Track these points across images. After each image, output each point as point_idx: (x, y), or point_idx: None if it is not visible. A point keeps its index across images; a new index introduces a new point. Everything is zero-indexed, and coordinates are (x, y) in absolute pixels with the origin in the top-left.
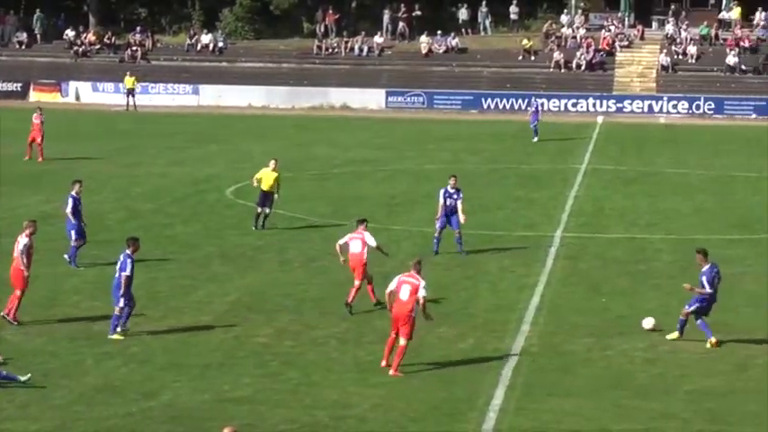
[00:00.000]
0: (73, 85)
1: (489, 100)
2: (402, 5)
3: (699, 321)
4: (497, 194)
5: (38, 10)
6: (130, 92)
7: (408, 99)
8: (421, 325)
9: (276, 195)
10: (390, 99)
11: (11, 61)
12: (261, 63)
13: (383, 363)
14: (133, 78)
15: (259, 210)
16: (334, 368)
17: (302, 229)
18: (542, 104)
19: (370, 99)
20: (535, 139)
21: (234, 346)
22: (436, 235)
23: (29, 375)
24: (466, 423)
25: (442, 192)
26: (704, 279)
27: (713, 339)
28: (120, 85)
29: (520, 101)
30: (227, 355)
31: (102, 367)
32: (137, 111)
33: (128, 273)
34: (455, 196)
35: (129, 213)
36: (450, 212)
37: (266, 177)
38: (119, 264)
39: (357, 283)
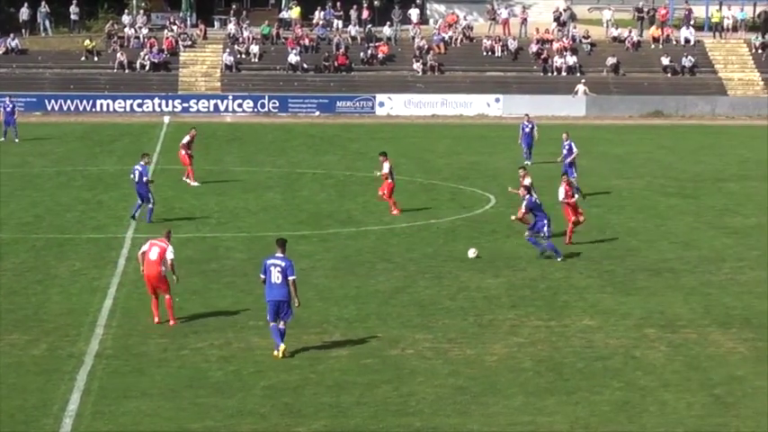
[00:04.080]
0: None
1: (53, 101)
2: None
3: (272, 325)
4: (65, 197)
5: None
6: None
7: None
8: None
9: None
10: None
11: None
12: None
13: (156, 320)
14: None
15: None
16: None
17: None
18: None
19: None
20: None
21: None
22: None
23: None
24: (41, 430)
25: None
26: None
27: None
28: None
29: (84, 102)
30: None
31: None
32: None
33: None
34: None
35: None
36: None
37: None
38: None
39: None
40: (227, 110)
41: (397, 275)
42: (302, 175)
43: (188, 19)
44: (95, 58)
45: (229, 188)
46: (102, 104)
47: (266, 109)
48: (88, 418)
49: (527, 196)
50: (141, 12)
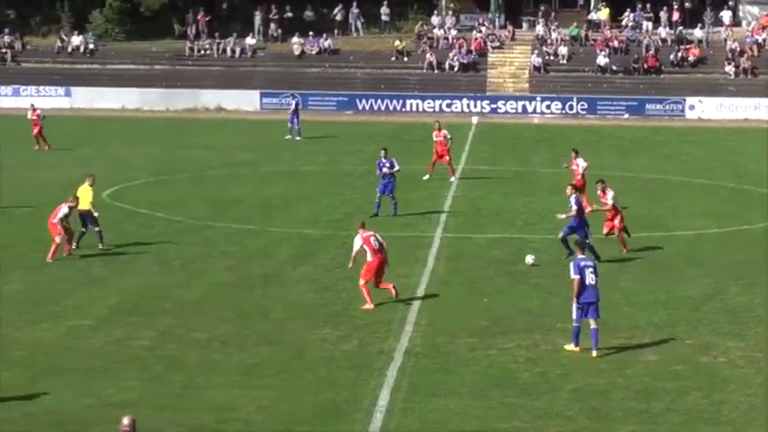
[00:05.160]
0: None
1: (364, 101)
2: (273, 7)
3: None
4: (372, 195)
5: None
6: None
7: (283, 100)
8: (305, 327)
9: (96, 213)
10: (265, 100)
11: None
12: (133, 65)
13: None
14: None
15: (83, 230)
16: (218, 371)
17: (180, 231)
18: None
19: (245, 100)
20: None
21: (116, 350)
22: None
23: None
24: (352, 424)
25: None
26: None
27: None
28: None
29: (394, 102)
30: (110, 360)
31: None
32: None
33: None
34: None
35: (2, 217)
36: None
37: (83, 195)
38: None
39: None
40: (534, 111)
41: (708, 281)
42: (609, 178)
43: (496, 20)
44: (405, 59)
45: (536, 189)
46: (411, 104)
47: (574, 111)
48: (398, 415)
49: None
50: (450, 13)
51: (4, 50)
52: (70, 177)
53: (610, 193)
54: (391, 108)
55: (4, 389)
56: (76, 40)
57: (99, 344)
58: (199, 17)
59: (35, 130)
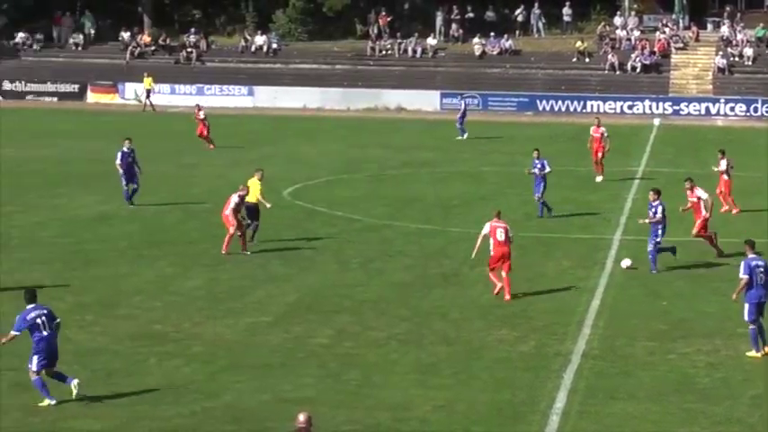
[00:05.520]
0: (130, 86)
1: (544, 102)
2: (454, 7)
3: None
4: (554, 196)
5: (86, 11)
6: (148, 92)
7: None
8: (482, 327)
9: (268, 204)
10: (445, 101)
11: (67, 62)
12: (315, 65)
13: (496, 291)
14: (150, 79)
15: (249, 222)
16: (394, 369)
17: (359, 230)
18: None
19: (425, 100)
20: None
21: (294, 347)
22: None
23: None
24: (528, 426)
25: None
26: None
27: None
28: (176, 86)
29: (575, 103)
30: (288, 356)
31: (165, 367)
32: (155, 111)
33: None
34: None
35: (186, 214)
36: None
37: (251, 189)
38: None
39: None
40: (718, 113)
41: None
42: None
43: (680, 21)
44: (586, 60)
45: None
46: (592, 105)
47: (759, 113)
48: (574, 417)
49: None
50: (633, 13)
51: (189, 50)
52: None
53: (698, 192)
54: (572, 109)
55: (184, 384)
56: (260, 39)
57: (277, 341)
58: (380, 17)
59: (200, 131)
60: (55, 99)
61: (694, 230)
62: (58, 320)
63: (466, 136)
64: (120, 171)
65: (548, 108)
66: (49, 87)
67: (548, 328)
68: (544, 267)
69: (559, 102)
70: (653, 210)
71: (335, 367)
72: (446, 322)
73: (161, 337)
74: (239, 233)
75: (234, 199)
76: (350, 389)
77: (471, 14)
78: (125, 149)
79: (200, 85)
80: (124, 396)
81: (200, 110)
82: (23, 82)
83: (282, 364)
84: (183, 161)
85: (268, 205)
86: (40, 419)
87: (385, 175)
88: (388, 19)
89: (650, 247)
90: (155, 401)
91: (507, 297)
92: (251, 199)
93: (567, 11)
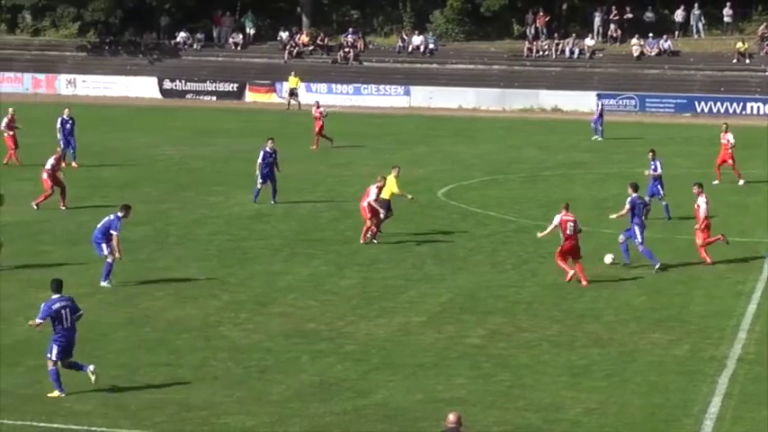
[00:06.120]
0: (288, 86)
1: (703, 103)
2: (613, 7)
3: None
4: (713, 199)
5: (249, 11)
6: (293, 92)
7: (620, 102)
8: (635, 330)
9: (410, 196)
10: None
11: (227, 62)
12: (471, 65)
13: (568, 278)
14: (297, 78)
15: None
16: (546, 371)
17: (513, 231)
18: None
19: (581, 101)
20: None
21: (446, 347)
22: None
23: (92, 367)
24: (682, 430)
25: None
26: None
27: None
28: (333, 86)
29: (734, 105)
30: (440, 356)
31: (318, 365)
32: (300, 110)
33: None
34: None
35: (341, 213)
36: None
37: (388, 184)
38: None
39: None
40: None
41: None
42: None
43: None
44: (747, 61)
45: None
46: (752, 107)
47: None
48: (728, 422)
49: None
50: None
51: (346, 50)
52: (409, 175)
53: (701, 198)
54: (731, 111)
55: (336, 382)
56: (417, 39)
57: (430, 340)
58: (538, 17)
59: (317, 129)
60: (214, 98)
61: (699, 241)
62: (81, 312)
63: (601, 137)
64: (258, 171)
65: (706, 110)
66: (209, 86)
67: (702, 332)
68: (700, 271)
69: (718, 103)
70: None
71: (488, 368)
72: (599, 324)
73: (314, 334)
74: (375, 222)
75: (373, 190)
76: (501, 389)
77: (630, 15)
78: (267, 149)
79: (357, 85)
80: (277, 394)
81: (318, 107)
82: (183, 81)
83: (435, 363)
84: (335, 160)
85: (409, 197)
86: (193, 414)
87: (539, 176)
88: (546, 19)
89: None
90: (307, 399)
91: (584, 282)
92: (385, 195)
93: (727, 11)
